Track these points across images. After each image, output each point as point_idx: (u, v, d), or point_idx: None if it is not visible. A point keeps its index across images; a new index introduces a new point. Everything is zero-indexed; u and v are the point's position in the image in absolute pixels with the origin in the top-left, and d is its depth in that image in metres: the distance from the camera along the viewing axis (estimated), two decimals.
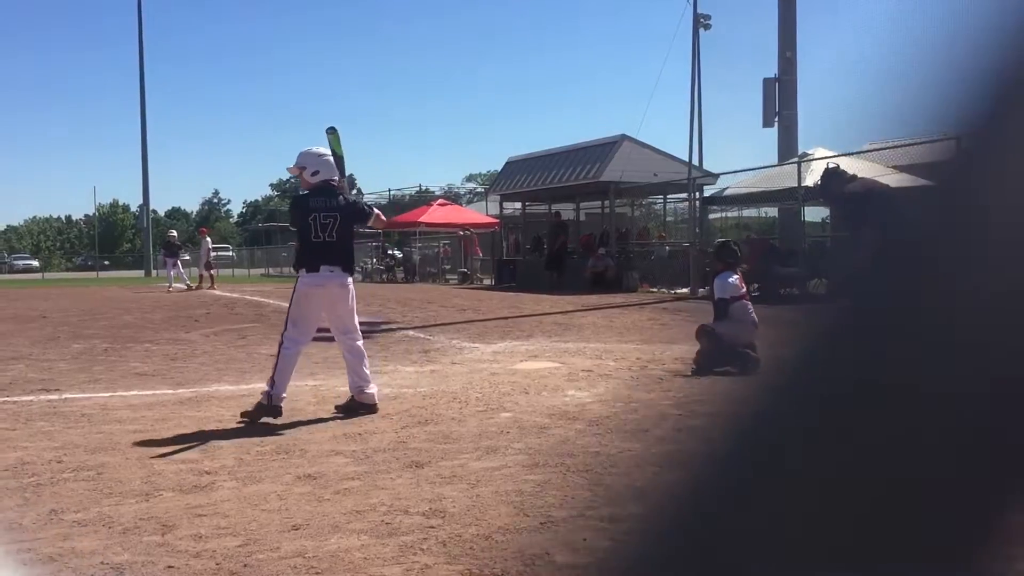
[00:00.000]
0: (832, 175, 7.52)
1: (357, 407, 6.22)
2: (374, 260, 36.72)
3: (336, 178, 6.52)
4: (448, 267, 33.37)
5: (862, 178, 7.59)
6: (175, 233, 29.94)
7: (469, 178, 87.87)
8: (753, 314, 7.93)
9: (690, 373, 7.82)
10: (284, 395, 6.07)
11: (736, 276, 8.12)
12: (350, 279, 6.38)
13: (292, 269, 6.57)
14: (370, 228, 7.02)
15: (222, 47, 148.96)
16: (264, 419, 5.85)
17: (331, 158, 6.51)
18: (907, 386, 0.74)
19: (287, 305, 6.37)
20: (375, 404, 6.25)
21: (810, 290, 18.23)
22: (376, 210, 7.00)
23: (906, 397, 0.72)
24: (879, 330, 0.76)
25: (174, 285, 26.48)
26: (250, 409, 5.99)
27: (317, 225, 6.23)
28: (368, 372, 6.35)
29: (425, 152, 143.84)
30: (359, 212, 6.69)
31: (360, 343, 6.39)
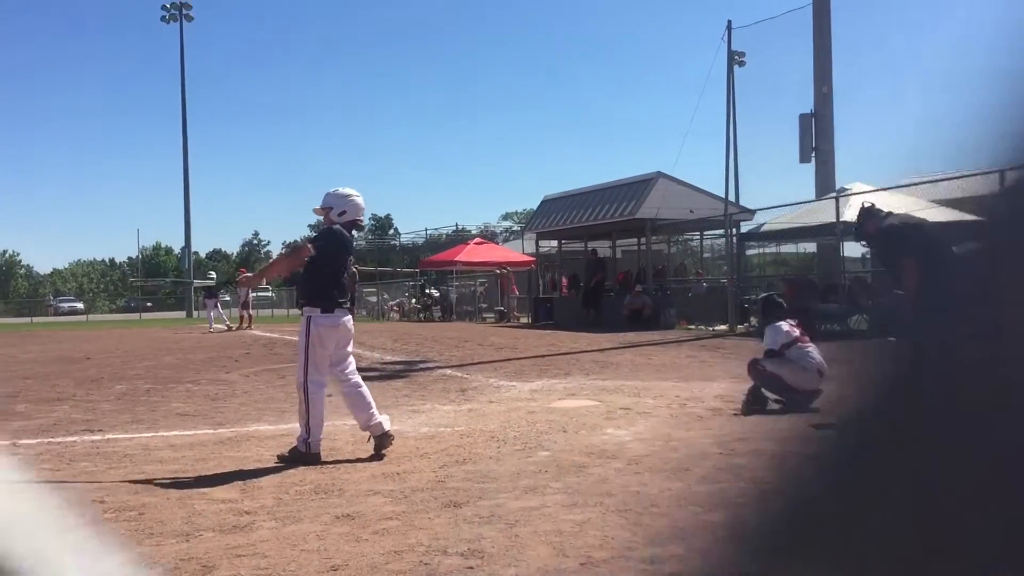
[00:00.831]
0: (867, 214, 7.43)
1: (382, 444, 6.14)
2: (412, 299, 36.90)
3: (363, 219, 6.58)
4: (485, 305, 33.42)
5: (897, 214, 7.49)
6: (215, 275, 30.28)
7: (505, 216, 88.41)
8: (815, 358, 7.71)
9: (732, 412, 7.73)
10: (321, 438, 6.07)
11: (788, 322, 7.93)
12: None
13: (303, 305, 6.27)
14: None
15: (261, 90, 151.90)
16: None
17: (358, 199, 6.48)
18: (952, 430, 0.72)
19: (301, 347, 6.17)
20: (389, 431, 6.20)
21: (851, 326, 18.02)
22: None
23: (950, 440, 0.70)
24: (932, 372, 0.75)
25: (214, 326, 26.78)
26: (286, 453, 5.99)
27: (346, 264, 6.36)
28: (372, 402, 6.26)
29: (462, 191, 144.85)
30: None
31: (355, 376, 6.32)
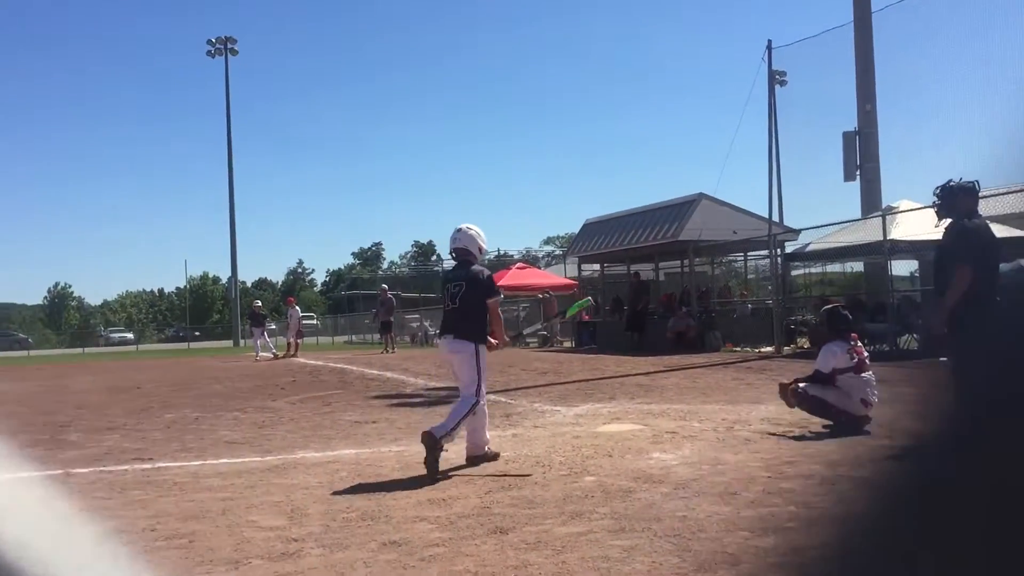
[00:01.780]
0: (964, 192, 7.05)
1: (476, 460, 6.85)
2: None
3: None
4: (530, 331, 33.38)
5: (980, 220, 7.13)
6: (260, 303, 30.67)
7: (547, 241, 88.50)
8: (870, 390, 7.56)
9: (779, 433, 7.62)
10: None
11: (845, 348, 7.69)
12: None
13: (464, 338, 6.94)
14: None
15: (304, 120, 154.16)
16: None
17: (474, 234, 7.14)
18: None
19: (475, 370, 6.83)
20: (485, 453, 6.91)
21: (900, 346, 17.71)
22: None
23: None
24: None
25: (261, 354, 27.08)
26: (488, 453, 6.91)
27: (447, 294, 7.08)
28: (450, 425, 6.64)
29: (503, 216, 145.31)
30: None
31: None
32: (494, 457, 6.93)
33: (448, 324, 6.99)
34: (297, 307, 29.59)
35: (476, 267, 7.07)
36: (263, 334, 27.99)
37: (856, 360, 7.66)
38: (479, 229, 7.14)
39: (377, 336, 33.30)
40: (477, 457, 6.86)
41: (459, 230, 7.18)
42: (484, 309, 6.91)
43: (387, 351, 27.51)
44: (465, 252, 7.13)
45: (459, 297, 6.89)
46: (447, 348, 6.99)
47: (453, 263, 7.33)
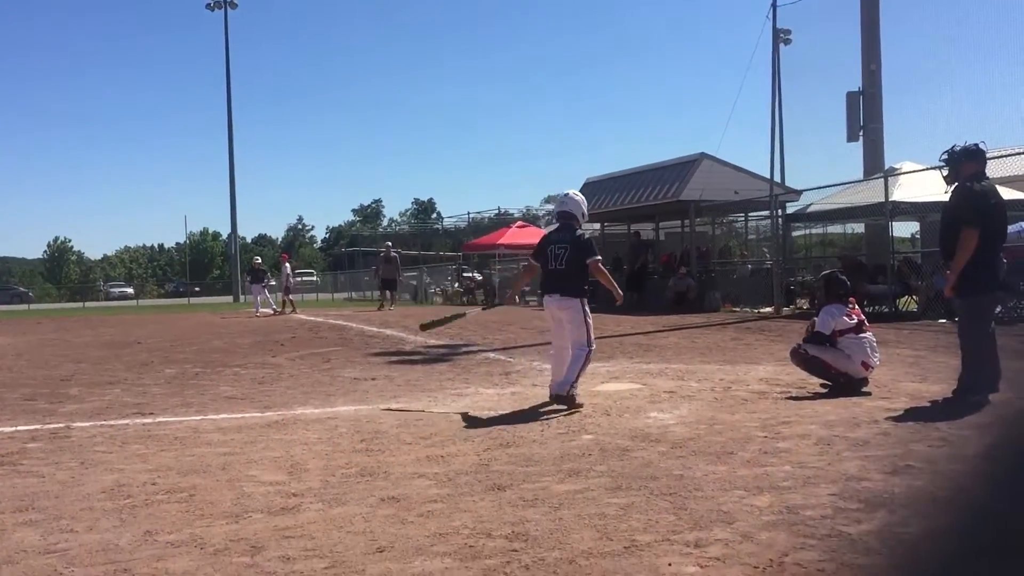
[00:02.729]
0: (970, 155, 7.00)
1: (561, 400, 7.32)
2: (454, 283, 37.01)
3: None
4: (528, 289, 33.40)
5: (989, 183, 7.09)
6: (260, 259, 30.55)
7: (548, 199, 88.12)
8: (869, 351, 7.60)
9: (776, 393, 7.66)
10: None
11: (845, 310, 7.73)
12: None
13: (572, 295, 7.52)
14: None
15: (304, 77, 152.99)
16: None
17: (579, 200, 7.84)
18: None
19: (583, 324, 7.46)
20: (568, 400, 7.29)
21: (900, 307, 17.73)
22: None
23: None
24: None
25: (261, 310, 27.10)
26: (563, 394, 7.31)
27: (551, 256, 7.67)
28: (573, 375, 7.37)
29: (504, 175, 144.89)
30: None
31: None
32: (577, 405, 7.29)
33: (554, 283, 7.59)
34: (288, 264, 29.42)
35: (578, 231, 7.71)
36: (263, 290, 27.95)
37: (856, 321, 7.68)
38: (583, 197, 7.90)
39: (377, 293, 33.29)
40: (562, 397, 7.38)
41: (567, 195, 7.89)
42: (586, 268, 7.50)
43: (383, 308, 27.46)
44: (570, 216, 7.75)
45: (564, 259, 7.50)
46: (555, 305, 7.58)
47: (556, 225, 7.96)
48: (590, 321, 7.55)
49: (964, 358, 6.92)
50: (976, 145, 6.99)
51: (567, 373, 7.39)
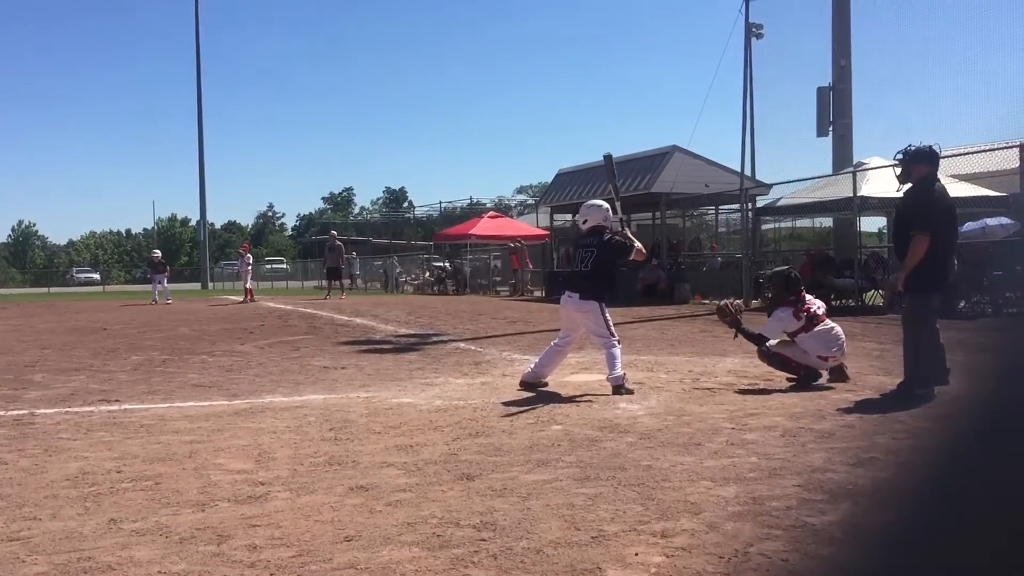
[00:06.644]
0: (923, 157, 7.04)
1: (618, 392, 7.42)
2: (425, 272, 36.96)
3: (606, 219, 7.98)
4: (499, 279, 33.41)
5: (940, 187, 7.16)
6: (159, 253, 31.44)
7: (520, 190, 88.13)
8: (826, 344, 7.67)
9: (744, 385, 7.73)
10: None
11: (790, 312, 7.76)
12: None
13: (591, 298, 7.88)
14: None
15: (276, 63, 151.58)
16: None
17: (600, 207, 8.00)
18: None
19: (603, 323, 7.77)
20: (620, 386, 7.44)
21: (866, 302, 17.93)
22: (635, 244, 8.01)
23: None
24: None
25: (158, 300, 27.26)
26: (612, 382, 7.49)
27: (577, 258, 7.96)
28: (617, 369, 7.53)
29: (476, 165, 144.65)
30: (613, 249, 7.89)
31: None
32: (629, 391, 7.45)
33: (575, 284, 7.89)
34: (248, 254, 29.68)
35: (606, 235, 7.87)
36: (162, 281, 28.22)
37: (804, 320, 7.73)
38: (602, 202, 8.12)
39: (348, 282, 33.39)
40: (530, 384, 7.76)
41: (591, 204, 8.13)
42: (612, 271, 7.92)
43: (329, 296, 27.86)
44: (596, 224, 7.91)
45: (591, 261, 7.75)
46: (574, 307, 7.86)
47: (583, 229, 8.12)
48: (608, 317, 7.78)
49: (907, 352, 7.00)
50: (930, 147, 7.06)
51: (611, 372, 7.53)
